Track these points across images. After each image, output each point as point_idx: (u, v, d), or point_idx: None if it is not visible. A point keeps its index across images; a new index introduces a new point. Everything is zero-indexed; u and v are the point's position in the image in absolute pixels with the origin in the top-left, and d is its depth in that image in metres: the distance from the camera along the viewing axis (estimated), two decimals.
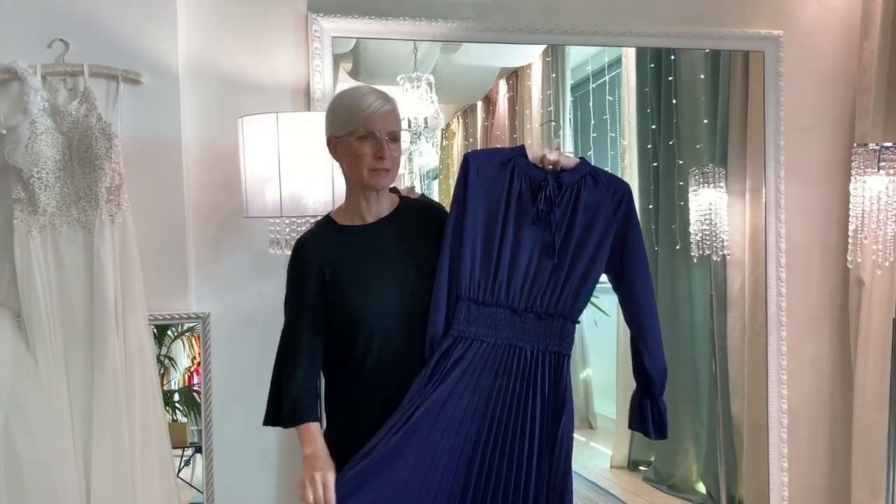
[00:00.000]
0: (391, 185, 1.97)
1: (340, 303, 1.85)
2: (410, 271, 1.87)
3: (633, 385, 3.51)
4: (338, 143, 1.88)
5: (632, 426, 2.02)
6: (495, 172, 1.91)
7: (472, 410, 1.85)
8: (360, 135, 1.83)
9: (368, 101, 1.84)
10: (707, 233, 3.06)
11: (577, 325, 1.94)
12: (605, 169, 2.10)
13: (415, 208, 1.96)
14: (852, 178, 2.73)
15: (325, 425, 1.96)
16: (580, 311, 1.94)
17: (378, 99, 1.85)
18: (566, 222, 1.91)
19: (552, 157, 1.92)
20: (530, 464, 1.86)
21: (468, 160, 1.91)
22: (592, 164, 1.97)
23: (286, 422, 1.88)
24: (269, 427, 2.62)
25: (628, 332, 3.38)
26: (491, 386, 1.87)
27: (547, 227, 1.90)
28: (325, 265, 1.85)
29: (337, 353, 1.89)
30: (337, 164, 1.94)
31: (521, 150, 1.94)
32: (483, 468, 1.85)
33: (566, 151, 1.96)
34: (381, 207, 1.93)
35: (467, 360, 1.86)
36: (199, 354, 2.57)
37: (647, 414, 1.97)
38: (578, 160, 1.96)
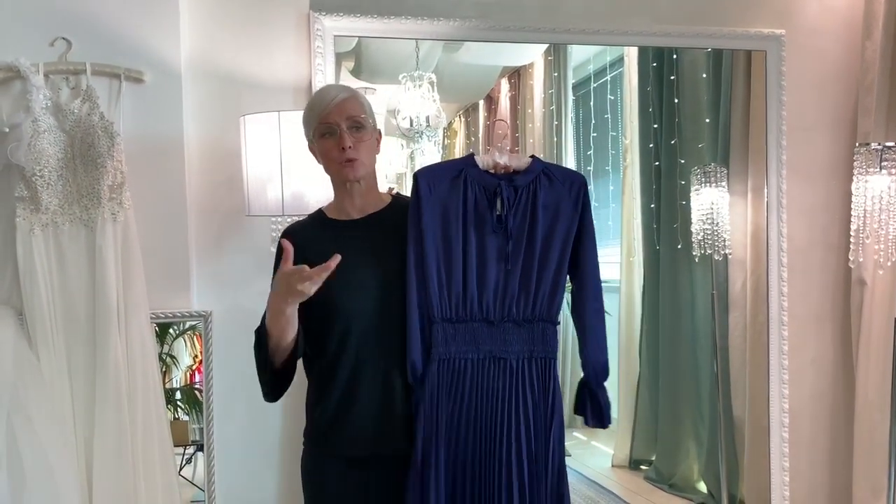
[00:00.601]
0: (383, 186, 1.98)
1: (319, 292, 1.82)
2: (392, 269, 1.86)
3: (634, 384, 3.53)
4: (314, 147, 1.90)
5: (574, 410, 2.03)
6: (448, 187, 1.88)
7: (466, 429, 1.85)
8: (321, 131, 1.84)
9: (323, 94, 1.86)
10: (709, 232, 3.06)
11: (558, 326, 1.93)
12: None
13: (404, 208, 1.94)
14: (854, 178, 2.73)
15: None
16: (558, 312, 1.92)
17: (333, 90, 1.86)
18: (528, 225, 1.89)
19: (503, 160, 1.90)
20: (531, 472, 1.86)
21: (417, 178, 1.88)
22: (544, 161, 1.95)
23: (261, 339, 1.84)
24: (271, 426, 2.63)
25: (629, 330, 3.39)
26: (481, 400, 1.86)
27: (508, 234, 1.88)
28: (307, 254, 1.83)
29: (314, 347, 1.88)
30: None
31: (470, 160, 1.91)
32: (485, 482, 1.85)
33: (516, 152, 1.94)
34: (368, 204, 1.93)
35: (454, 381, 1.85)
36: (201, 353, 2.57)
37: (585, 402, 1.98)
38: (530, 159, 1.93)
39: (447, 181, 1.89)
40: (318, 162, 1.92)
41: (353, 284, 1.84)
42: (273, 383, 1.89)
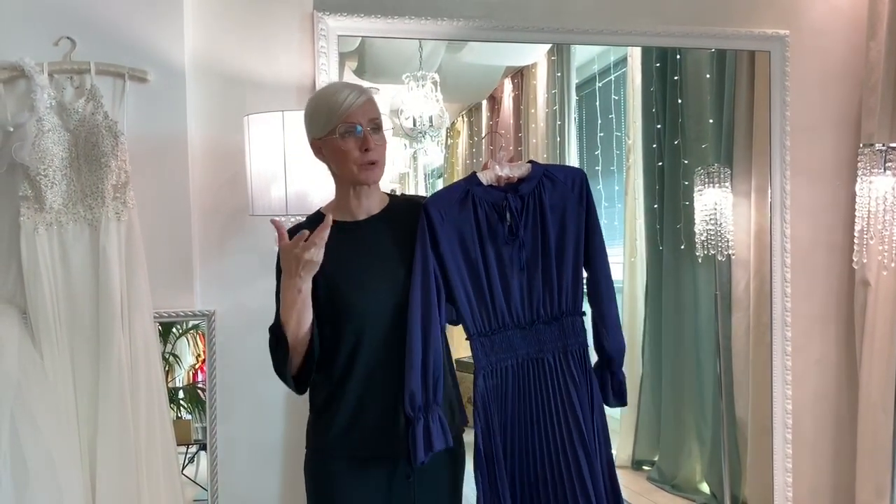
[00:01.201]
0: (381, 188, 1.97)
1: (331, 298, 1.84)
2: (401, 269, 1.86)
3: (636, 384, 3.52)
4: (321, 145, 1.87)
5: None
6: (458, 211, 1.91)
7: (520, 432, 1.94)
8: (341, 131, 1.82)
9: (343, 95, 1.83)
10: (712, 233, 3.05)
11: (584, 317, 2.00)
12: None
13: (405, 206, 1.95)
14: (858, 179, 2.73)
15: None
16: (582, 303, 2.00)
17: (353, 91, 1.84)
18: (540, 229, 1.95)
19: (504, 172, 1.94)
20: (589, 463, 1.93)
21: (428, 209, 1.90)
22: (543, 163, 2.00)
23: (279, 336, 1.81)
24: (274, 425, 2.63)
25: (632, 330, 3.40)
26: (527, 402, 1.94)
27: (522, 242, 1.94)
28: None
29: (326, 353, 1.87)
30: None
31: (473, 179, 1.95)
32: (549, 482, 1.94)
33: (516, 161, 1.99)
34: (372, 205, 1.92)
35: (498, 388, 1.93)
36: (204, 352, 2.58)
37: (607, 384, 2.04)
38: (529, 165, 1.97)
39: (456, 205, 1.93)
40: (322, 159, 1.90)
41: (364, 286, 1.84)
42: (296, 381, 1.88)
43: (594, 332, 2.02)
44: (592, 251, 2.00)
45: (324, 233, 1.71)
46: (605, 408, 2.06)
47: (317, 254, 1.72)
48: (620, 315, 3.40)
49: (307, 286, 1.77)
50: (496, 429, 1.92)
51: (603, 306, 2.01)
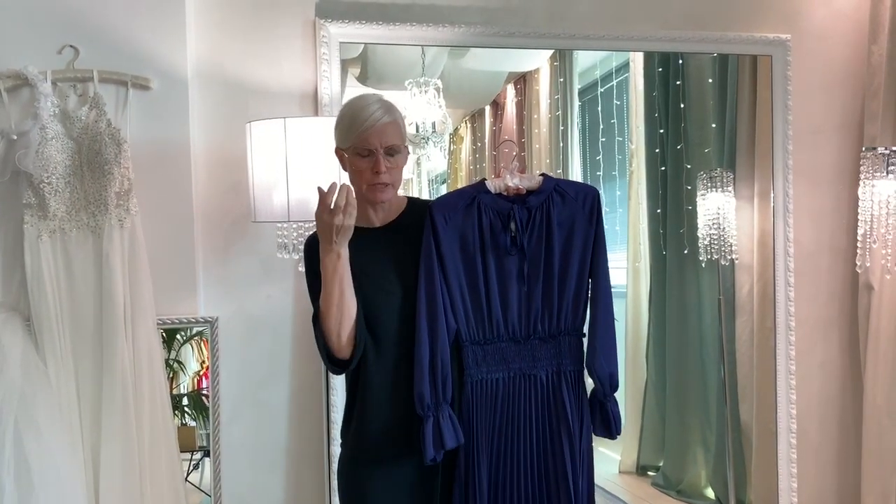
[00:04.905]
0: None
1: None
2: (415, 273, 1.90)
3: (641, 389, 3.52)
4: (342, 154, 1.91)
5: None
6: (463, 216, 1.92)
7: (505, 446, 1.93)
8: (357, 151, 1.85)
9: (366, 113, 1.84)
10: (715, 237, 3.05)
11: (583, 338, 1.98)
12: (573, 179, 2.10)
13: (420, 212, 1.97)
14: (861, 182, 2.73)
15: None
16: (583, 323, 1.97)
17: (378, 110, 1.84)
18: (544, 243, 1.93)
19: (513, 183, 1.93)
20: (575, 484, 1.92)
21: (432, 211, 1.91)
22: (555, 178, 1.98)
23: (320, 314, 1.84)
24: (278, 431, 2.64)
25: (636, 335, 3.39)
26: (516, 418, 1.93)
27: (524, 255, 1.93)
28: None
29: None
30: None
31: (482, 186, 1.95)
32: (529, 497, 1.93)
33: (529, 172, 1.99)
34: (389, 213, 1.96)
35: (488, 401, 1.92)
36: (208, 358, 2.58)
37: (595, 411, 2.01)
38: (541, 178, 1.96)
39: (461, 210, 1.93)
40: (344, 169, 1.94)
41: (384, 290, 1.89)
42: (345, 361, 1.89)
43: (587, 352, 1.99)
44: (595, 271, 1.98)
45: (332, 196, 1.75)
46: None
47: (346, 219, 1.75)
48: (625, 320, 3.42)
49: (345, 251, 1.79)
50: (481, 442, 1.91)
51: (598, 327, 1.98)
